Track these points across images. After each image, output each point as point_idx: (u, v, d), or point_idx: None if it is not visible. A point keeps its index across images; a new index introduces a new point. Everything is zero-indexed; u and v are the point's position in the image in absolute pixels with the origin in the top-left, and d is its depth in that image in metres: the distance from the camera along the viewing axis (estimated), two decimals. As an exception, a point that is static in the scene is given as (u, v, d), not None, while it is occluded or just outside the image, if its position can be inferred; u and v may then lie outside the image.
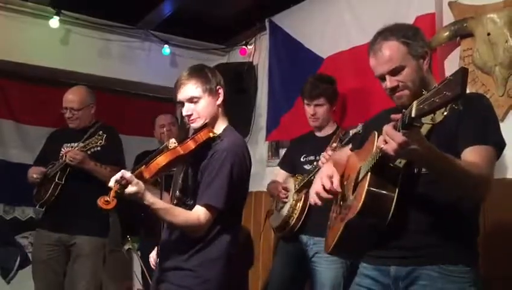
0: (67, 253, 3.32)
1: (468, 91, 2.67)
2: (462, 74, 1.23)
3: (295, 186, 2.95)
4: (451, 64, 2.70)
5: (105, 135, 3.06)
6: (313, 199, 1.84)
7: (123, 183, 1.87)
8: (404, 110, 1.38)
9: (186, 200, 2.14)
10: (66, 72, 4.29)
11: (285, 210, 2.96)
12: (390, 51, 1.72)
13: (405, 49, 1.72)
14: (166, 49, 4.53)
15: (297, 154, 3.08)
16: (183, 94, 2.16)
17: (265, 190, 3.40)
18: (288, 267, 3.03)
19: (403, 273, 1.67)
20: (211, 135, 2.13)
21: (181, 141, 2.12)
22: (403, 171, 1.60)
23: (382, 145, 1.43)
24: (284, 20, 4.06)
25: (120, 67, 4.48)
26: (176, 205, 2.13)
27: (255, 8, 4.04)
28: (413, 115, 1.30)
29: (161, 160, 2.03)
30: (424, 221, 1.67)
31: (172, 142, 2.10)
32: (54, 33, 4.19)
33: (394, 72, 1.73)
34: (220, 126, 2.21)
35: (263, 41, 4.36)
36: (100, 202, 1.85)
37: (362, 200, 1.56)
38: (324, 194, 1.78)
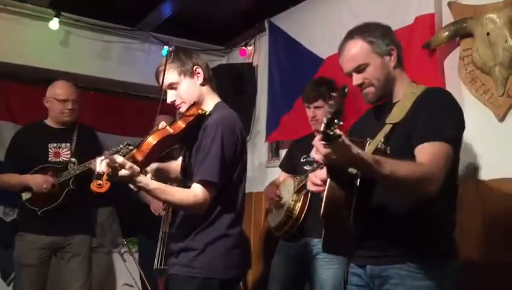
0: (52, 256, 3.26)
1: (467, 91, 2.69)
2: (341, 92, 1.38)
3: (294, 187, 2.95)
4: (451, 65, 2.70)
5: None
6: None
7: (116, 166, 1.85)
8: None
9: (187, 182, 2.14)
10: (66, 74, 4.27)
11: (283, 210, 2.96)
12: (354, 49, 1.81)
13: (369, 48, 1.79)
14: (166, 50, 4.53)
15: (298, 155, 3.09)
16: (161, 86, 2.17)
17: (265, 190, 3.40)
18: (288, 267, 3.03)
19: (376, 272, 1.74)
20: (200, 111, 2.13)
21: (171, 122, 2.13)
22: (360, 175, 1.63)
23: (314, 155, 1.50)
24: (283, 21, 4.06)
25: (120, 68, 4.48)
26: (179, 187, 2.15)
27: (255, 9, 4.04)
28: (322, 129, 1.37)
29: (151, 139, 2.03)
30: (387, 221, 1.71)
31: (163, 124, 2.12)
32: (54, 35, 4.19)
33: (358, 69, 1.80)
34: (210, 104, 2.21)
35: (263, 42, 4.37)
36: (93, 186, 1.84)
37: (323, 205, 1.62)
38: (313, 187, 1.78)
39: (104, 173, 1.86)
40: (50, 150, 3.28)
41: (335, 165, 1.55)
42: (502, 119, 2.46)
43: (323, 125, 1.36)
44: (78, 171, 3.16)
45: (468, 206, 2.50)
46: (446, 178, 1.62)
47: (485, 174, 2.49)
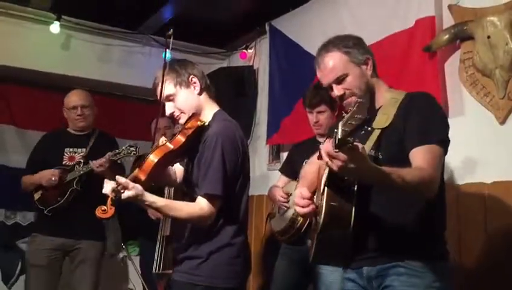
0: (64, 258, 3.29)
1: (468, 94, 2.69)
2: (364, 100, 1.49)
3: None
4: (451, 67, 2.71)
5: (138, 147, 3.05)
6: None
7: (119, 188, 1.89)
8: (336, 129, 1.43)
9: (191, 194, 2.14)
10: (66, 77, 4.29)
11: (289, 214, 2.94)
12: (333, 61, 1.83)
13: (346, 58, 1.83)
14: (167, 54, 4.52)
15: (299, 160, 3.05)
16: (159, 95, 2.16)
17: (266, 193, 3.39)
18: (292, 270, 3.03)
19: (373, 273, 1.74)
20: (199, 123, 2.12)
21: (171, 137, 2.13)
22: (357, 181, 1.63)
23: (330, 163, 1.47)
24: (284, 24, 4.06)
25: (121, 71, 4.49)
26: (183, 199, 2.15)
27: (255, 12, 4.05)
28: (339, 136, 1.36)
29: (152, 158, 2.03)
30: (385, 223, 1.72)
31: (163, 140, 2.11)
32: (55, 38, 4.20)
33: (339, 80, 1.82)
34: (209, 113, 2.19)
35: (263, 45, 4.37)
36: (98, 212, 1.89)
37: (323, 217, 1.60)
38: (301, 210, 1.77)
39: (108, 196, 1.89)
40: (65, 154, 3.33)
41: (343, 174, 1.52)
42: (502, 122, 2.46)
43: (343, 132, 1.35)
44: (81, 172, 3.20)
45: (469, 209, 2.50)
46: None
47: (486, 177, 2.48)
